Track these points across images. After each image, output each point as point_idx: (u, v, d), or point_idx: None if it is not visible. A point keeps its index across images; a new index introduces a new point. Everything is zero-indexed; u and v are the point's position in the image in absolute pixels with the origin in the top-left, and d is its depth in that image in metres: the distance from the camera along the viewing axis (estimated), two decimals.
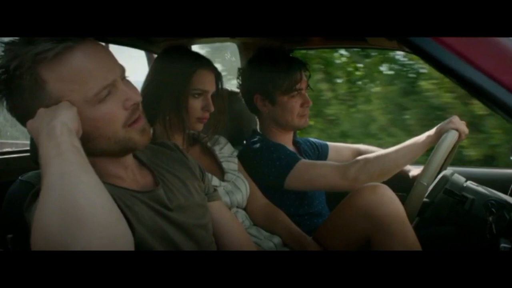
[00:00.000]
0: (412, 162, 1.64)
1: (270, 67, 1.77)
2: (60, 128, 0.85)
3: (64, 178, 0.78)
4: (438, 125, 1.57)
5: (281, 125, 1.83)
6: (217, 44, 2.98)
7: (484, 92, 0.88)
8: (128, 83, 1.03)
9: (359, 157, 1.61)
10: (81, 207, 0.75)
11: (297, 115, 1.80)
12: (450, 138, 1.51)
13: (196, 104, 1.52)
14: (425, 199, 1.47)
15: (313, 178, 1.62)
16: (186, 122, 1.52)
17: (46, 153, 0.83)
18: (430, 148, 1.58)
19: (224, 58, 3.64)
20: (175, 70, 1.51)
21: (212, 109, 1.53)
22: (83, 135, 0.93)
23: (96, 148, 0.99)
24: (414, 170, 1.89)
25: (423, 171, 1.47)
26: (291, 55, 1.95)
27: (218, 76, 1.58)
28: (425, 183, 1.45)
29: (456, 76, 0.89)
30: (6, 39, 0.96)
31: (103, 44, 1.10)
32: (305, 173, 1.63)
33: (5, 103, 0.97)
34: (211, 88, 1.54)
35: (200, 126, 1.55)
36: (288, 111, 1.79)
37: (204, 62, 1.56)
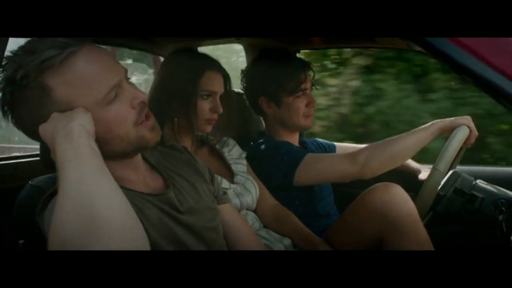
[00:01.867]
0: (420, 148, 1.61)
1: (274, 69, 1.77)
2: (79, 131, 0.85)
3: (82, 181, 0.78)
4: (445, 120, 1.56)
5: (287, 126, 1.83)
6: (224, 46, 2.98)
7: (500, 91, 0.88)
8: (131, 83, 1.03)
9: (370, 144, 1.61)
10: (98, 211, 0.75)
11: (302, 115, 1.80)
12: (462, 133, 1.49)
13: (204, 106, 1.51)
14: (438, 192, 1.46)
15: (322, 169, 1.61)
16: (195, 123, 1.51)
17: (63, 156, 0.82)
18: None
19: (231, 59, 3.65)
20: (183, 72, 1.51)
21: (221, 110, 1.53)
22: (96, 140, 0.93)
23: (109, 151, 0.98)
24: (423, 173, 1.88)
25: (439, 159, 1.46)
26: (293, 55, 1.95)
27: (226, 77, 1.58)
28: (442, 170, 1.44)
29: (472, 76, 0.89)
30: (8, 52, 0.95)
31: (104, 47, 1.10)
32: (314, 165, 1.62)
33: (10, 116, 0.96)
34: (219, 89, 1.54)
35: (208, 128, 1.55)
36: (294, 112, 1.79)
37: (212, 63, 1.55)
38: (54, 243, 0.75)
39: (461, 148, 1.54)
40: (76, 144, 0.83)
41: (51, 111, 0.92)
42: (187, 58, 1.56)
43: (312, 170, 1.62)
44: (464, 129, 1.50)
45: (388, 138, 1.61)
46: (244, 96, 1.91)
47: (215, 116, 1.53)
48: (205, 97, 1.51)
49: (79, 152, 0.81)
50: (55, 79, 0.92)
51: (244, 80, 1.88)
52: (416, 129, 1.59)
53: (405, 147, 1.56)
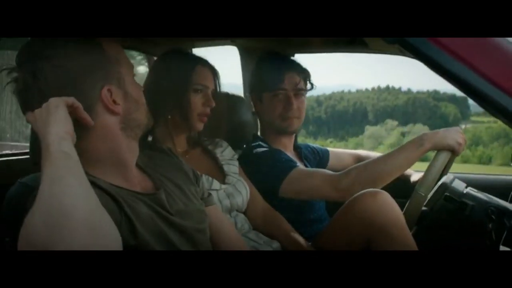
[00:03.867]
0: (406, 170, 1.63)
1: (264, 67, 1.83)
2: (52, 139, 0.88)
3: (52, 183, 0.81)
4: (435, 134, 1.54)
5: (268, 125, 1.85)
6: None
7: (485, 97, 0.88)
8: None
9: (352, 167, 1.59)
10: (64, 210, 0.77)
11: (278, 115, 1.80)
12: (444, 157, 1.50)
13: (197, 100, 1.53)
14: (424, 208, 1.46)
15: (305, 188, 1.62)
16: (189, 118, 1.53)
17: (42, 162, 0.86)
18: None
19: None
20: (175, 68, 1.54)
21: (213, 104, 1.55)
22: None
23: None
24: (415, 175, 1.88)
25: (421, 182, 1.46)
26: (282, 56, 1.94)
27: (215, 73, 1.60)
28: (423, 194, 1.44)
29: (458, 81, 0.89)
30: None
31: None
32: (298, 183, 1.62)
33: None
34: (210, 84, 1.56)
35: (200, 125, 1.56)
36: (271, 110, 1.81)
37: (201, 60, 1.59)
38: (21, 241, 0.77)
39: (450, 159, 1.54)
40: (49, 151, 0.86)
41: None
42: (178, 57, 1.59)
43: (296, 188, 1.62)
44: (445, 153, 1.50)
45: (373, 160, 1.58)
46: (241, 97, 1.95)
47: (208, 110, 1.54)
48: (198, 91, 1.53)
49: (51, 158, 0.85)
50: None
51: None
52: (404, 146, 1.56)
53: (390, 171, 1.54)
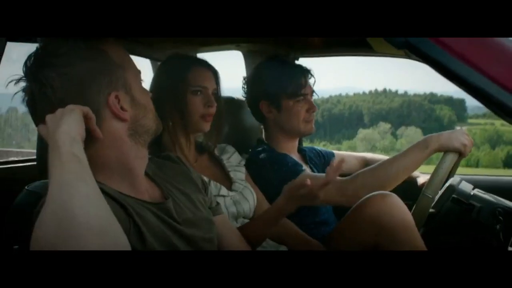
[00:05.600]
0: (412, 172, 1.62)
1: (275, 73, 1.79)
2: (63, 139, 0.86)
3: (62, 187, 0.80)
4: (440, 136, 1.53)
5: (286, 132, 1.83)
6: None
7: (492, 99, 0.88)
8: None
9: (358, 172, 1.59)
10: (75, 216, 0.76)
11: (302, 120, 1.80)
12: (451, 158, 1.49)
13: (197, 101, 1.52)
14: (431, 210, 1.46)
15: None
16: (189, 122, 1.52)
17: (50, 163, 0.85)
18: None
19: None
20: (172, 73, 1.53)
21: (215, 104, 1.53)
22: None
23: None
24: (421, 177, 1.88)
25: (428, 184, 1.46)
26: (294, 61, 1.96)
27: (215, 73, 1.59)
28: (430, 196, 1.44)
29: (465, 84, 0.89)
30: None
31: None
32: None
33: None
34: (210, 84, 1.55)
35: (205, 126, 1.54)
36: (294, 116, 1.79)
37: (198, 61, 1.58)
38: (34, 244, 0.76)
39: (457, 161, 1.54)
40: (59, 152, 0.85)
41: None
42: (175, 61, 1.58)
43: None
44: (452, 155, 1.50)
45: (380, 165, 1.57)
46: (246, 102, 1.92)
47: (211, 110, 1.53)
48: (197, 93, 1.52)
49: (61, 160, 0.83)
50: None
51: (245, 86, 1.90)
52: (409, 149, 1.57)
53: (397, 173, 1.53)
